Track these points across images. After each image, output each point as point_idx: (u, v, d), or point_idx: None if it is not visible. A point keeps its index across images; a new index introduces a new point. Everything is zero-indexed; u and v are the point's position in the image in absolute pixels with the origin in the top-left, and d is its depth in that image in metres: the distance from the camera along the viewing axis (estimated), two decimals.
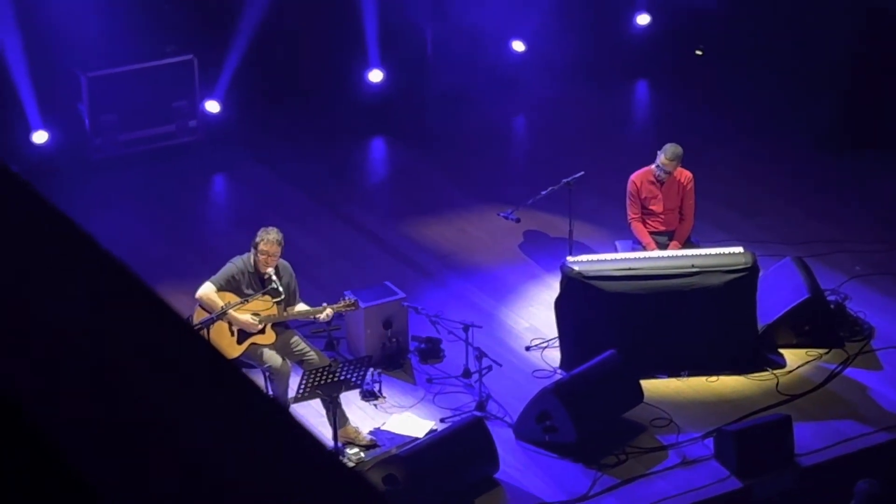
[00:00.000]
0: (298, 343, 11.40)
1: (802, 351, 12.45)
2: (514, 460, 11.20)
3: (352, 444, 11.26)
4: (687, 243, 13.04)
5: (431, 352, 12.48)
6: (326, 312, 11.43)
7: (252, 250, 11.32)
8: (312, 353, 11.37)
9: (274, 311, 11.31)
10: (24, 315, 2.50)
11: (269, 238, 11.26)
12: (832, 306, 12.79)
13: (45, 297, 2.57)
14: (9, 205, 2.84)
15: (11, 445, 2.21)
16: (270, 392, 11.10)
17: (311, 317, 11.62)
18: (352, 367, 10.92)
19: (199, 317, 11.19)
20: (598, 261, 12.27)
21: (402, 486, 10.41)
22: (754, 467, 10.99)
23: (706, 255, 12.31)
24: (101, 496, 2.07)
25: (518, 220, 13.59)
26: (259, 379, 11.17)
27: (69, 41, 15.32)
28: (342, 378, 10.85)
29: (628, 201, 13.09)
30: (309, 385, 10.70)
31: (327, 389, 10.82)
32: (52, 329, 2.49)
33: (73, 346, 2.45)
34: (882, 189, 15.33)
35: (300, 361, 11.31)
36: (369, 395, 11.87)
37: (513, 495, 10.88)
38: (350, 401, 11.56)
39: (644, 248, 12.84)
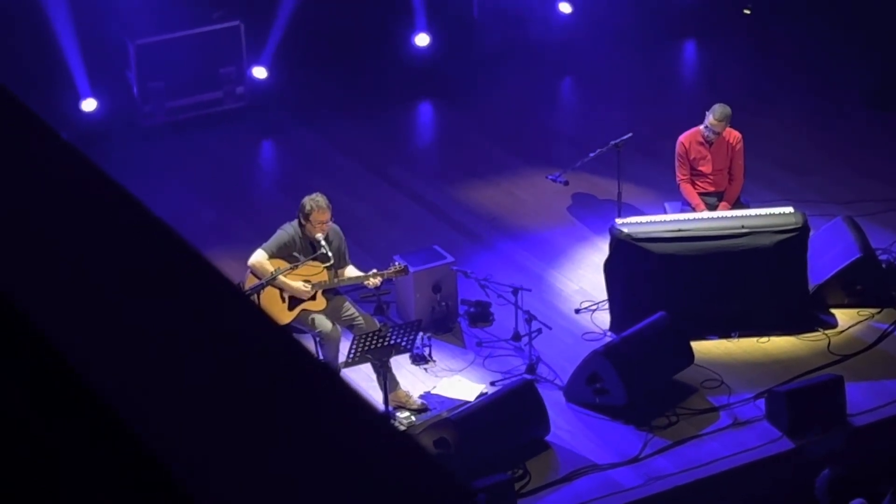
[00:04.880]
0: (348, 308, 11.42)
1: (854, 311, 12.38)
2: (564, 423, 11.21)
3: (402, 407, 11.29)
4: (736, 204, 12.97)
5: (481, 315, 12.48)
6: (376, 281, 11.41)
7: (300, 218, 11.29)
8: (362, 317, 11.39)
9: (324, 276, 11.33)
10: (77, 282, 2.52)
11: (318, 205, 11.22)
12: (884, 265, 12.71)
13: (97, 265, 2.59)
14: (60, 172, 2.85)
15: (72, 412, 2.22)
16: (321, 357, 11.14)
17: (361, 283, 11.65)
18: (402, 332, 10.94)
19: (250, 283, 11.22)
20: (647, 222, 12.23)
21: (454, 450, 10.44)
22: (806, 428, 10.95)
23: (756, 215, 12.25)
24: (166, 457, 2.09)
25: (566, 183, 13.56)
26: (310, 344, 11.20)
27: (117, 8, 15.36)
28: (392, 342, 10.87)
29: (677, 162, 13.04)
30: (359, 350, 10.73)
31: (378, 354, 10.84)
32: (106, 297, 2.50)
33: (127, 313, 2.46)
34: None
35: (350, 326, 11.34)
36: (419, 359, 11.89)
37: (564, 458, 10.89)
38: (400, 365, 11.59)
39: (693, 210, 12.80)
